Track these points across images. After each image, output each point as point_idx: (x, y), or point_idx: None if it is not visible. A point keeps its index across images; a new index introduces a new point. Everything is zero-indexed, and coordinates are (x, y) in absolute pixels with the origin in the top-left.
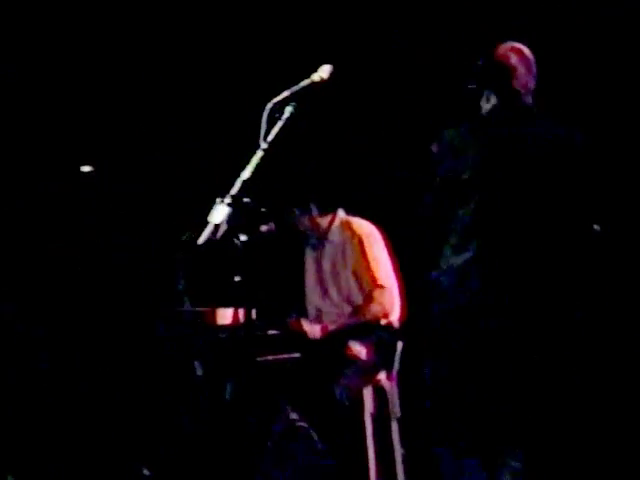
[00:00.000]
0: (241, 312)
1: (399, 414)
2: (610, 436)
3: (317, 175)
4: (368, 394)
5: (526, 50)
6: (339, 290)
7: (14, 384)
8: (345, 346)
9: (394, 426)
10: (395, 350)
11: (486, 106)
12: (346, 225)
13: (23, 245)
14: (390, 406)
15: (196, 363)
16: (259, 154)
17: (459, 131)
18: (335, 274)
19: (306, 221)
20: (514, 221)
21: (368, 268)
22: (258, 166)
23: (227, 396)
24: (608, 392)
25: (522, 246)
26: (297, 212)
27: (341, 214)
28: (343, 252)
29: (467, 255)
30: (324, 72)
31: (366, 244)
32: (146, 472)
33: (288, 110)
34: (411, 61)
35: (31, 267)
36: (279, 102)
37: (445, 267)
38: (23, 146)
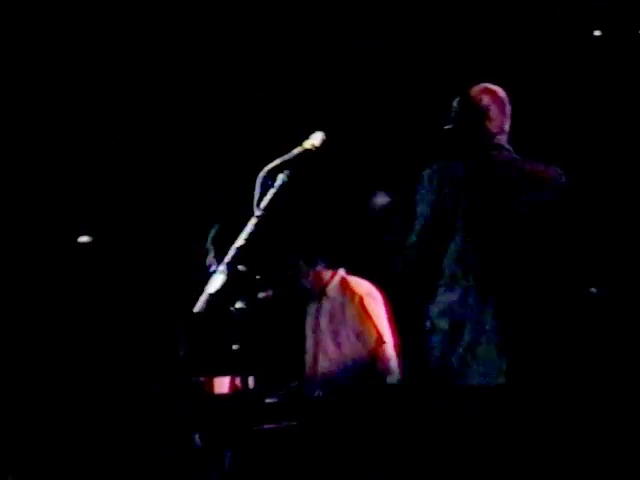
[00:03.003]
0: (238, 380)
1: None
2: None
3: (326, 230)
4: None
5: (500, 91)
6: (338, 347)
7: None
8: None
9: None
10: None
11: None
12: (345, 284)
13: (19, 312)
14: None
15: (195, 434)
16: (253, 221)
17: (439, 168)
18: (334, 331)
19: (309, 275)
20: (502, 257)
21: (372, 326)
22: (252, 233)
23: (226, 466)
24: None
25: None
26: (303, 265)
27: (341, 272)
28: (342, 310)
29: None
30: (316, 139)
31: (366, 302)
32: None
33: (281, 177)
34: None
35: (27, 332)
36: (271, 170)
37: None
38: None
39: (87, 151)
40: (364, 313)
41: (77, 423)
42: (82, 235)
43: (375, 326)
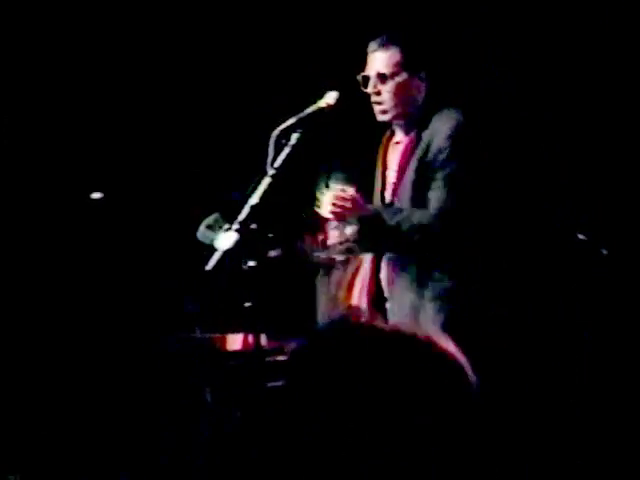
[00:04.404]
0: (251, 338)
1: None
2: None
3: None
4: None
5: None
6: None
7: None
8: None
9: None
10: None
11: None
12: None
13: (31, 268)
14: None
15: (206, 389)
16: (266, 180)
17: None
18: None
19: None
20: None
21: None
22: (266, 192)
23: (235, 421)
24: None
25: None
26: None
27: None
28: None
29: None
30: (330, 98)
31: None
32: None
33: (294, 137)
34: None
35: (40, 289)
36: (285, 129)
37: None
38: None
39: (100, 108)
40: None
41: (90, 372)
42: (94, 192)
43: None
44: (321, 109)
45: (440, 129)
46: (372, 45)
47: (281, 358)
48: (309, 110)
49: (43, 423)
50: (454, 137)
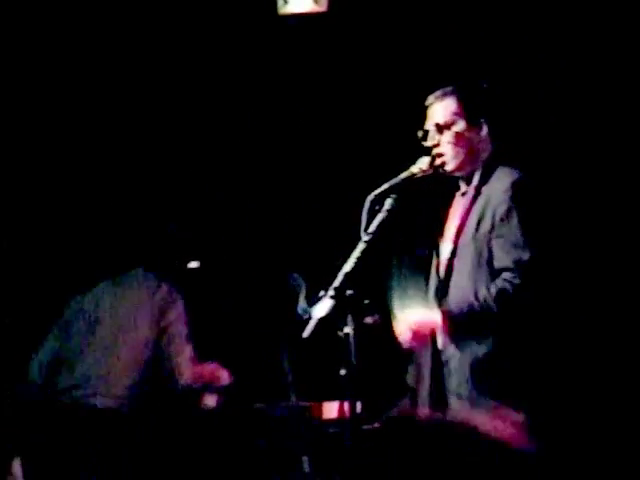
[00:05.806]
0: (347, 406)
1: None
2: None
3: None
4: None
5: None
6: None
7: None
8: None
9: None
10: None
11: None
12: None
13: None
14: None
15: (304, 458)
16: (360, 246)
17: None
18: None
19: None
20: None
21: None
22: (360, 258)
23: None
24: None
25: None
26: None
27: None
28: None
29: None
30: (423, 164)
31: None
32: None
33: (388, 202)
34: None
35: None
36: (379, 195)
37: None
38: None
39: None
40: None
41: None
42: (191, 261)
43: None
44: (414, 174)
45: (499, 188)
46: (430, 99)
47: (377, 426)
48: (402, 175)
49: None
50: (513, 197)
